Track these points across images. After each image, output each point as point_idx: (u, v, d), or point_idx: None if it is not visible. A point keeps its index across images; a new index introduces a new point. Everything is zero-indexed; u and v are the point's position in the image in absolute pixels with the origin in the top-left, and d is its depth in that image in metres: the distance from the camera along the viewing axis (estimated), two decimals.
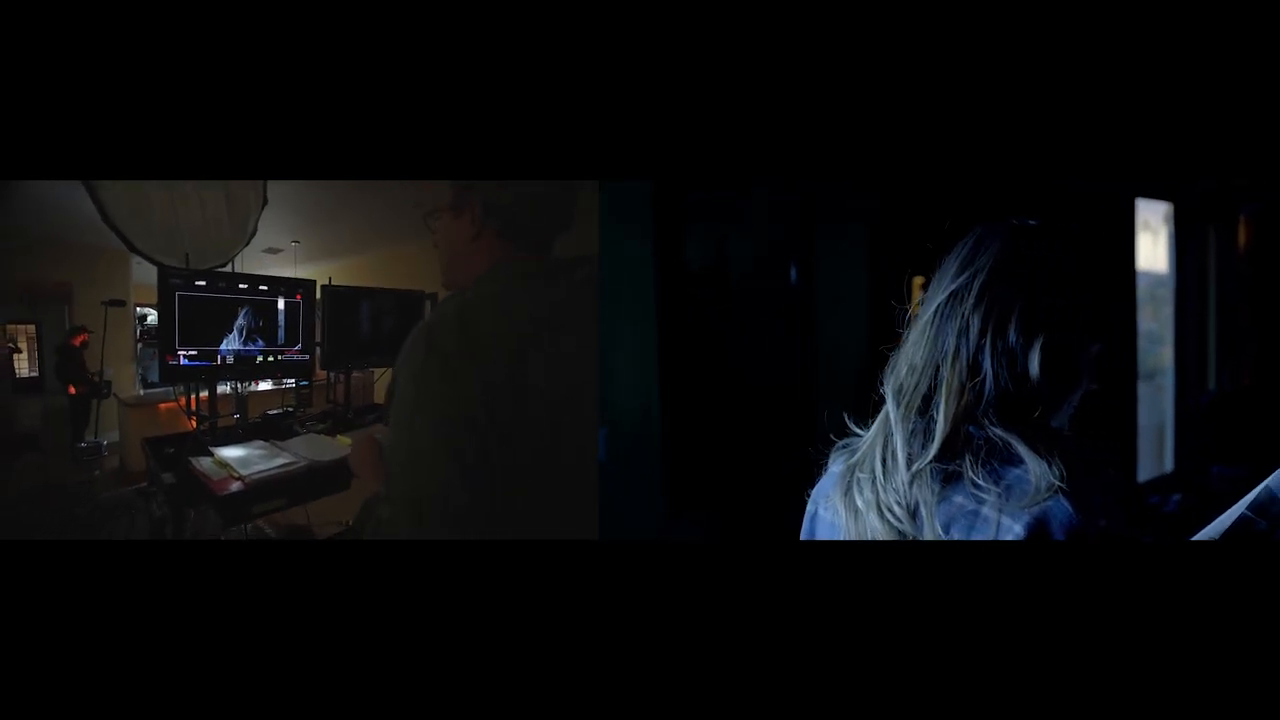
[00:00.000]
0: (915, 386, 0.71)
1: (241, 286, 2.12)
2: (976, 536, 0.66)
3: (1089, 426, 0.73)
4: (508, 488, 0.81)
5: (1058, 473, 0.63)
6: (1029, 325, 0.67)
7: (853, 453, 0.76)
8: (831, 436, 0.79)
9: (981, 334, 0.68)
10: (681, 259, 2.20)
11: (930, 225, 0.78)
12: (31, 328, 4.97)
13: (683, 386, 2.16)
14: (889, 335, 0.77)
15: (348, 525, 2.09)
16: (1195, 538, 0.79)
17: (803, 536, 0.83)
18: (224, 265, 2.30)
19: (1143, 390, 3.26)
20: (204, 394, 2.08)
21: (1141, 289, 3.28)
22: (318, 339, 2.39)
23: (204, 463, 1.69)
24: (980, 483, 0.65)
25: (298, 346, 2.30)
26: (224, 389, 2.22)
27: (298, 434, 2.10)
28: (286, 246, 4.89)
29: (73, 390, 3.97)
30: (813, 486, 0.82)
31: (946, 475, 0.68)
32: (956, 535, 0.67)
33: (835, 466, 0.78)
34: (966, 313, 0.69)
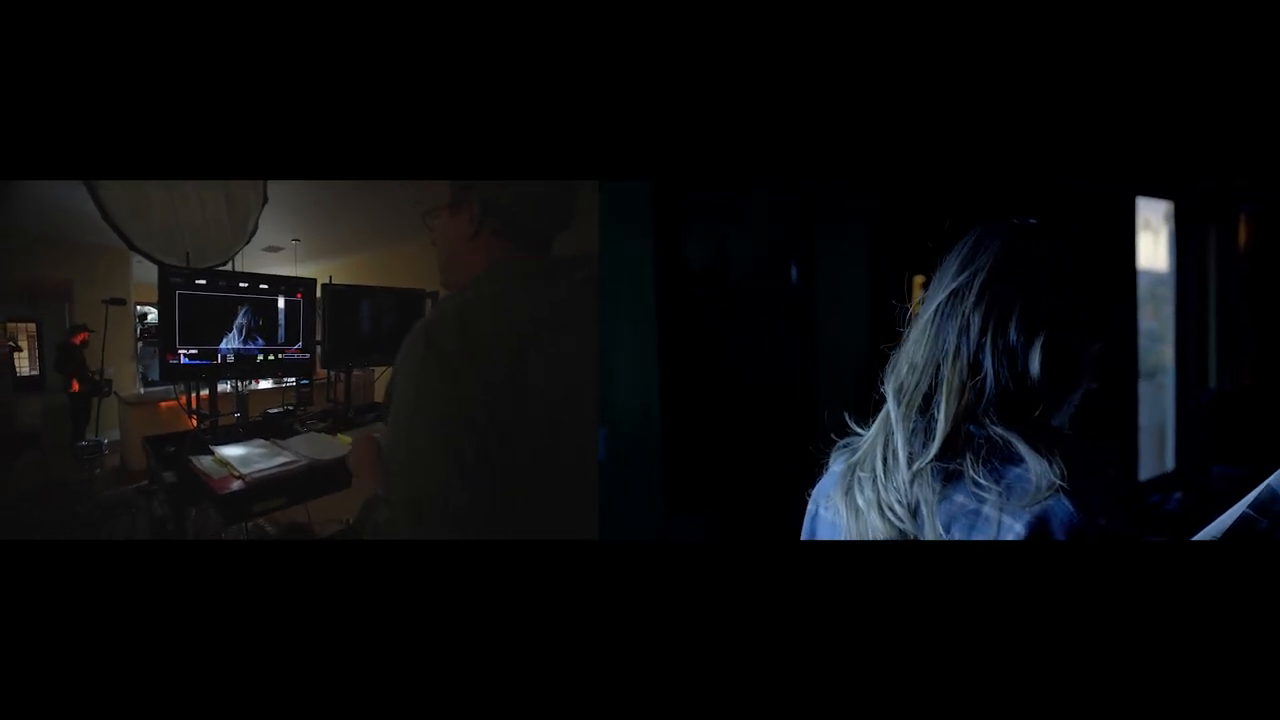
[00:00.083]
0: (916, 385, 0.71)
1: (242, 285, 2.12)
2: (977, 535, 0.66)
3: (1089, 426, 0.73)
4: (508, 488, 0.81)
5: (1059, 472, 0.63)
6: (1029, 324, 0.67)
7: (853, 452, 0.76)
8: (832, 435, 0.79)
9: (982, 333, 0.68)
10: (682, 259, 2.20)
11: (930, 225, 0.78)
12: (32, 326, 4.98)
13: (683, 386, 2.16)
14: (889, 335, 0.77)
15: (348, 524, 2.09)
16: (1197, 537, 0.79)
17: (803, 536, 0.83)
18: (224, 264, 2.30)
19: (1143, 389, 3.26)
20: (204, 392, 2.08)
21: (1142, 288, 3.28)
22: (318, 337, 2.39)
23: (205, 461, 1.69)
24: (981, 481, 0.65)
25: (298, 345, 2.30)
26: (224, 387, 2.22)
27: (298, 432, 2.10)
28: (287, 245, 4.89)
29: (76, 386, 3.96)
30: (813, 486, 0.82)
31: (947, 474, 0.68)
32: (957, 534, 0.67)
33: (836, 466, 0.79)
34: (967, 311, 0.69)
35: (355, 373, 2.60)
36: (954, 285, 0.70)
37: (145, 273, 2.43)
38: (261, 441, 1.91)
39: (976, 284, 0.69)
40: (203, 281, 1.99)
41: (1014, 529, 0.63)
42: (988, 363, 0.68)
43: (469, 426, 0.79)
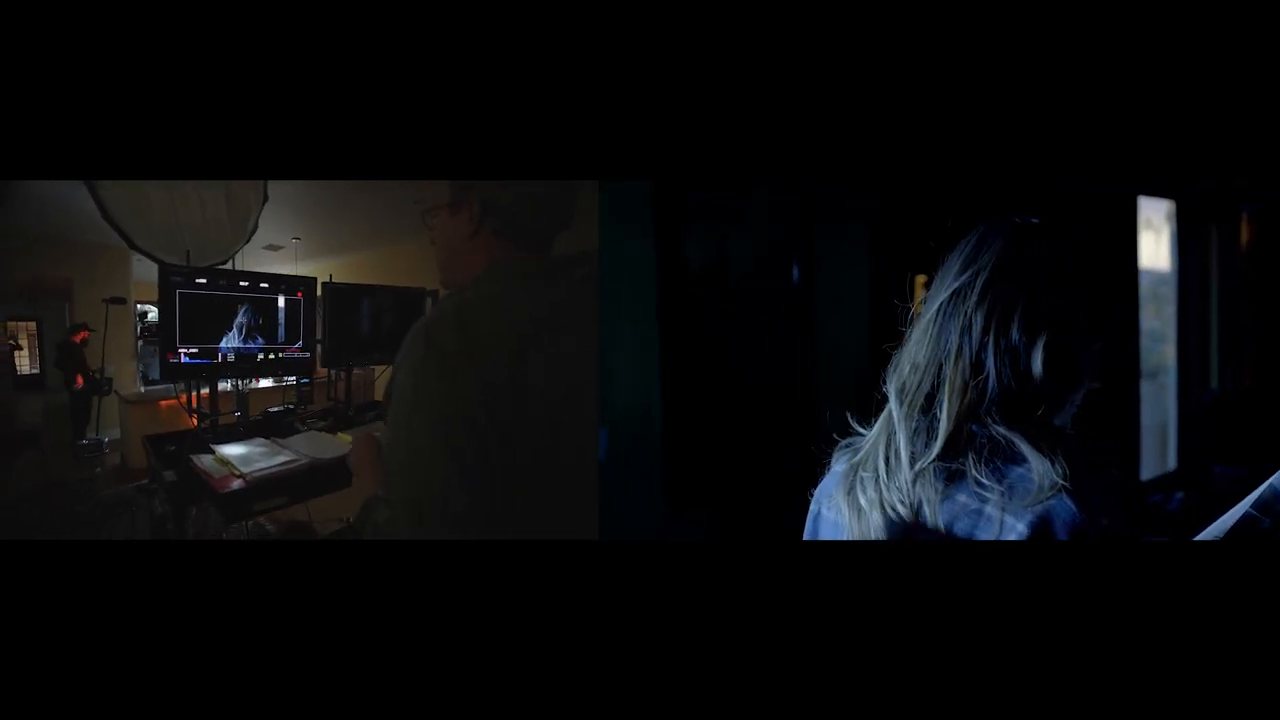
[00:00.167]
0: (918, 385, 0.71)
1: (242, 284, 2.12)
2: (980, 535, 0.66)
3: (1091, 425, 0.73)
4: (507, 488, 0.81)
5: (1061, 471, 0.63)
6: (1032, 324, 0.67)
7: (855, 452, 0.76)
8: (834, 435, 0.79)
9: (984, 332, 0.68)
10: (682, 259, 2.20)
11: (932, 224, 0.78)
12: (32, 324, 4.98)
13: (683, 386, 2.16)
14: (890, 334, 0.76)
15: (348, 522, 2.09)
16: (1199, 536, 0.79)
17: (806, 536, 0.83)
18: (224, 263, 2.30)
19: (1145, 389, 3.25)
20: (205, 391, 2.08)
21: (1144, 287, 3.28)
22: (318, 336, 2.39)
23: (205, 460, 1.69)
24: (983, 481, 0.65)
25: (298, 344, 2.30)
26: (225, 386, 2.22)
27: (299, 431, 2.10)
28: (287, 243, 4.88)
29: (81, 381, 3.95)
30: (815, 486, 0.82)
31: (949, 474, 0.68)
32: (960, 534, 0.66)
33: (838, 466, 0.78)
34: (969, 311, 0.69)
35: (355, 371, 2.60)
36: (956, 285, 0.70)
37: (145, 271, 2.43)
38: (262, 440, 1.91)
39: (979, 283, 0.69)
40: (203, 280, 1.99)
41: (1016, 529, 0.63)
42: (990, 362, 0.68)
43: (469, 426, 0.79)
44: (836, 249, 2.33)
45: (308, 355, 2.35)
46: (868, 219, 2.37)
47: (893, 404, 0.72)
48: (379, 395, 2.89)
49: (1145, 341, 3.28)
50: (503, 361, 0.82)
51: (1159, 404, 3.39)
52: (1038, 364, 0.67)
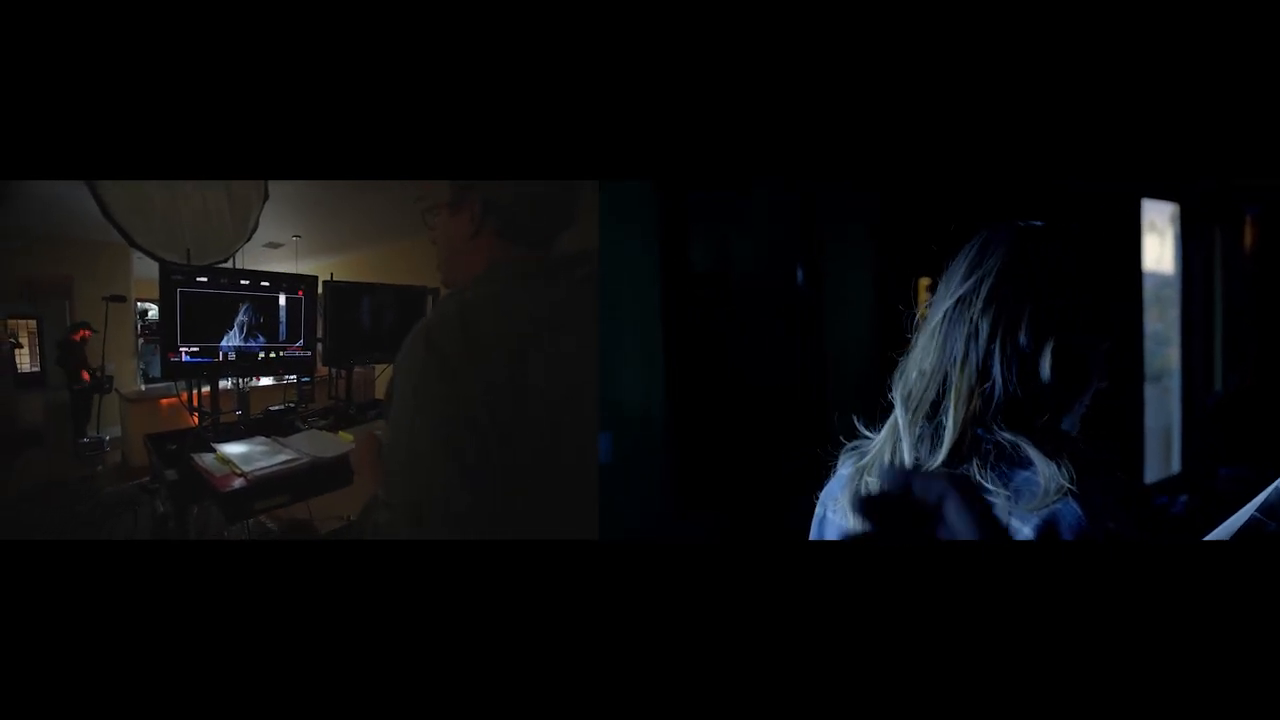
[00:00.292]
0: (924, 392, 0.71)
1: (243, 282, 2.11)
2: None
3: (1095, 428, 0.72)
4: (508, 488, 0.81)
5: (1067, 475, 0.63)
6: (1040, 328, 0.67)
7: (862, 455, 0.76)
8: (841, 439, 0.79)
9: (991, 338, 0.68)
10: (685, 260, 2.20)
11: (934, 225, 0.77)
12: (33, 322, 4.98)
13: (688, 389, 2.16)
14: (895, 332, 0.76)
15: (349, 520, 2.09)
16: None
17: (811, 539, 0.83)
18: (225, 261, 2.30)
19: (1149, 392, 3.25)
20: (206, 390, 2.08)
21: (1147, 290, 3.27)
22: (319, 335, 2.39)
23: (206, 459, 1.69)
24: (989, 486, 0.65)
25: (299, 342, 2.29)
26: (226, 385, 2.22)
27: (300, 430, 2.09)
28: (287, 241, 4.89)
29: (86, 377, 3.95)
30: (820, 488, 0.81)
31: None
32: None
33: (844, 469, 0.78)
34: (975, 317, 0.68)
35: (356, 370, 2.60)
36: (961, 292, 0.70)
37: (146, 268, 2.43)
38: (263, 439, 1.90)
39: (984, 290, 0.69)
40: (204, 279, 1.99)
41: (1022, 532, 0.63)
42: (997, 368, 0.67)
43: (470, 427, 0.79)
44: (839, 250, 2.33)
45: (309, 354, 2.35)
46: (868, 219, 2.37)
47: (898, 411, 0.72)
48: (379, 394, 2.88)
49: (1149, 344, 3.27)
50: (503, 361, 0.81)
51: (1163, 407, 3.38)
52: (1046, 368, 0.67)
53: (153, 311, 4.89)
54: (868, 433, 0.77)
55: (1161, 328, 3.38)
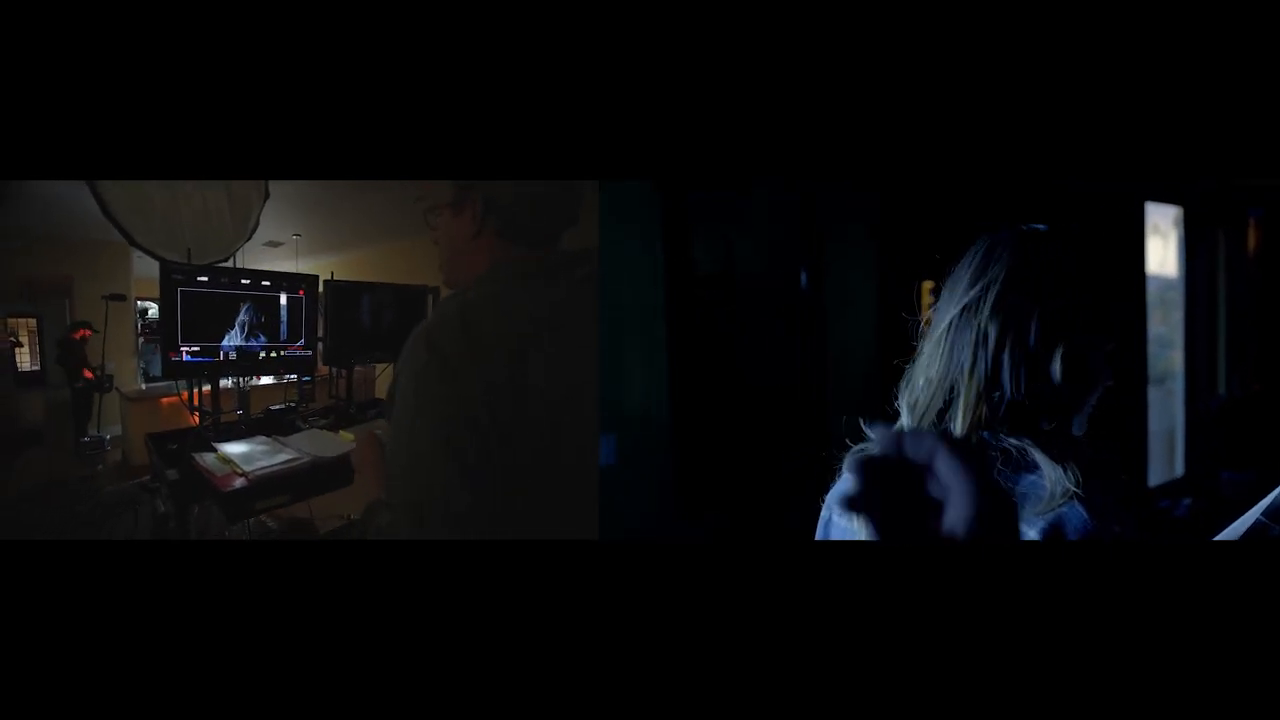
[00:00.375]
0: (931, 400, 0.71)
1: (244, 282, 2.11)
2: None
3: (1099, 430, 0.72)
4: (508, 488, 0.80)
5: (1073, 479, 0.62)
6: (1049, 332, 0.67)
7: None
8: (847, 441, 0.78)
9: (999, 344, 0.67)
10: (688, 261, 2.19)
11: (935, 226, 0.77)
12: (33, 321, 4.98)
13: (689, 388, 2.15)
14: (896, 334, 0.76)
15: (349, 520, 2.09)
16: None
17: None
18: (225, 260, 2.29)
19: (1153, 394, 3.25)
20: (206, 389, 2.08)
21: (1151, 293, 3.27)
22: (320, 334, 2.38)
23: (207, 459, 1.69)
24: None
25: (300, 342, 2.29)
26: (226, 384, 2.22)
27: (300, 429, 2.09)
28: (288, 240, 4.89)
29: (89, 374, 3.95)
30: (823, 490, 0.81)
31: None
32: None
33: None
34: (982, 324, 0.68)
35: (357, 369, 2.60)
36: (966, 299, 0.69)
37: (146, 267, 2.43)
38: (264, 438, 1.90)
39: (990, 296, 0.68)
40: (204, 278, 1.99)
41: (1028, 536, 0.63)
42: (1005, 374, 0.67)
43: (471, 426, 0.79)
44: (839, 250, 2.32)
45: (309, 353, 2.35)
46: (868, 219, 2.36)
47: (905, 418, 0.72)
48: (380, 393, 2.88)
49: (1153, 347, 3.27)
50: (504, 361, 0.81)
51: (1166, 409, 3.38)
52: (1057, 371, 0.66)
53: (153, 310, 4.90)
54: (874, 435, 0.76)
55: (1165, 331, 3.37)
